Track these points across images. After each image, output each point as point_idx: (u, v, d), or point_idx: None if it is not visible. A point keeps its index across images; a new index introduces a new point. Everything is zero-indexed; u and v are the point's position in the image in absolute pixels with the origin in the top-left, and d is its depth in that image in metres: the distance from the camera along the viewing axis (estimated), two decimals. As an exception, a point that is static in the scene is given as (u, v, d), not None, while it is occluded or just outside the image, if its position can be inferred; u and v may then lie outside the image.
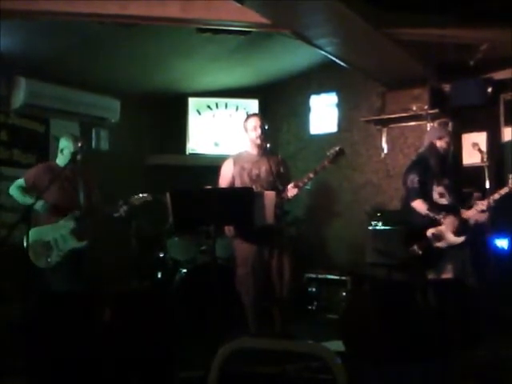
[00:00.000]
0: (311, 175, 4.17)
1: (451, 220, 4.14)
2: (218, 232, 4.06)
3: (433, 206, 4.21)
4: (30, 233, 4.12)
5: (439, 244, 4.17)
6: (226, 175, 4.38)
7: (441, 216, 4.15)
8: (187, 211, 3.61)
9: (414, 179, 4.28)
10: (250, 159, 4.36)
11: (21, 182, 4.36)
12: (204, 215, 3.58)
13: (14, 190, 4.36)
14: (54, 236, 4.25)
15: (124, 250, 5.43)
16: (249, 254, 4.23)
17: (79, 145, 4.32)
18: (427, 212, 4.19)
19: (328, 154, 4.21)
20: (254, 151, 4.39)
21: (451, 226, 4.14)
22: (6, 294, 4.40)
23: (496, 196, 4.00)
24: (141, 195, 4.44)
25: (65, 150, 4.37)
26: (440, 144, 4.34)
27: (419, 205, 4.23)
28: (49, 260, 4.21)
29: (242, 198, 3.69)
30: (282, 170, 4.35)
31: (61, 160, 4.39)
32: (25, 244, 4.16)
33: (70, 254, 4.26)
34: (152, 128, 6.87)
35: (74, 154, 4.30)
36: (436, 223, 4.16)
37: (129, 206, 4.38)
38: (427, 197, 4.25)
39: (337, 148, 4.23)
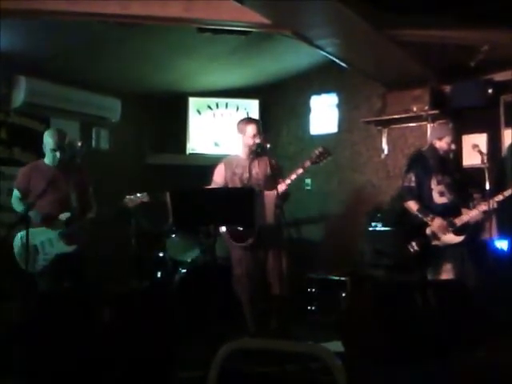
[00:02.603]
0: (294, 176, 4.18)
1: (439, 222, 4.17)
2: (217, 232, 4.07)
3: (425, 206, 4.25)
4: (19, 236, 4.04)
5: (437, 242, 4.20)
6: (218, 180, 4.43)
7: (429, 218, 4.18)
8: (187, 211, 3.61)
9: (410, 178, 4.33)
10: (240, 163, 4.42)
11: (15, 193, 4.21)
12: (204, 215, 3.58)
13: (14, 204, 4.20)
14: (41, 239, 4.08)
15: (123, 249, 5.43)
16: (242, 255, 4.26)
17: (56, 140, 4.11)
18: (417, 213, 4.26)
19: (312, 154, 4.24)
20: (244, 155, 4.44)
21: (438, 227, 4.16)
22: (5, 294, 4.38)
23: (500, 197, 4.02)
24: (138, 195, 4.21)
25: (46, 148, 4.20)
26: (440, 145, 4.36)
27: (411, 205, 4.31)
28: (35, 265, 4.00)
29: (242, 198, 3.69)
30: (269, 172, 4.33)
31: (47, 158, 4.23)
32: (15, 249, 4.07)
33: (57, 259, 4.08)
34: (152, 128, 6.87)
35: (53, 151, 4.11)
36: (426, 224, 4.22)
37: (121, 208, 4.17)
38: (424, 196, 4.28)
39: (320, 148, 4.25)
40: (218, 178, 4.45)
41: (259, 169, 4.36)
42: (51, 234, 4.10)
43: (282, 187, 4.13)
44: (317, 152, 4.21)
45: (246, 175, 4.36)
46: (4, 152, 5.47)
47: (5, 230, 4.43)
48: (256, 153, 4.41)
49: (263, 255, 4.26)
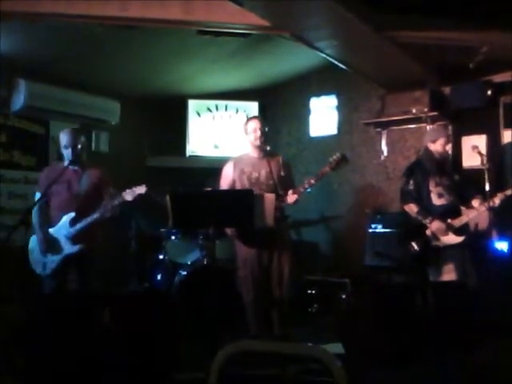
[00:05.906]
0: (312, 181, 4.13)
1: (437, 224, 4.19)
2: (217, 234, 4.06)
3: (424, 208, 4.28)
4: (31, 239, 4.10)
5: (437, 243, 4.21)
6: (227, 178, 4.40)
7: (427, 220, 4.20)
8: (187, 213, 3.61)
9: (409, 181, 4.35)
10: (250, 162, 4.37)
11: (37, 195, 4.13)
12: (203, 217, 3.58)
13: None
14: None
15: (123, 251, 5.42)
16: (248, 256, 4.25)
17: (68, 138, 4.09)
18: (416, 215, 4.29)
19: (330, 159, 4.18)
20: (254, 154, 4.40)
21: (436, 230, 4.18)
22: (6, 295, 4.38)
23: (500, 197, 4.03)
24: (134, 188, 4.05)
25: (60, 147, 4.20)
26: (434, 147, 4.39)
27: (410, 208, 4.34)
28: (45, 267, 4.04)
29: (241, 201, 3.69)
30: (282, 172, 4.32)
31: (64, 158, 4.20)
32: (29, 252, 4.13)
33: (65, 261, 4.05)
34: (152, 130, 6.87)
35: (64, 149, 4.11)
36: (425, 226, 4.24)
37: (120, 202, 4.04)
38: (422, 198, 4.30)
39: (339, 154, 4.21)
40: (226, 176, 4.41)
41: (268, 169, 4.27)
42: (58, 235, 4.07)
43: (299, 189, 4.13)
44: (336, 158, 4.17)
45: (255, 174, 4.30)
46: (4, 155, 5.47)
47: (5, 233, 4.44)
48: (265, 151, 4.34)
49: (267, 258, 4.25)
